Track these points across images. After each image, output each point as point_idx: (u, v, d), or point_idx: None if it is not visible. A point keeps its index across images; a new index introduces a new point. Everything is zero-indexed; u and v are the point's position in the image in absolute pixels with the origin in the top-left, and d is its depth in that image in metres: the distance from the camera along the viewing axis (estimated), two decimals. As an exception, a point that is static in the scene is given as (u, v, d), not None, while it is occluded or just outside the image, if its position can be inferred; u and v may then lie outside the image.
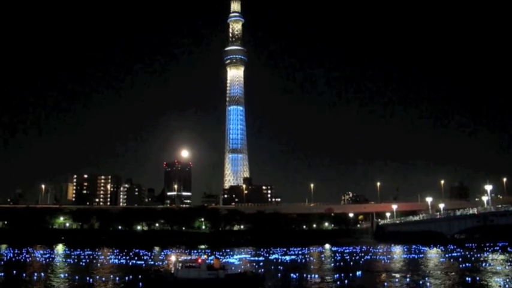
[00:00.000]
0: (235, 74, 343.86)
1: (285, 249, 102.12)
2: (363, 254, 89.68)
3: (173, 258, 64.41)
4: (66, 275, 55.25)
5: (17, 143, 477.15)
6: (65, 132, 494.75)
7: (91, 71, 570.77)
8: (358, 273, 56.47)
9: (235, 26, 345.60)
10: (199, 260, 45.71)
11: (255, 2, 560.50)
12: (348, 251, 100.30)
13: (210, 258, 52.54)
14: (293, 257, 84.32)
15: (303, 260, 78.45)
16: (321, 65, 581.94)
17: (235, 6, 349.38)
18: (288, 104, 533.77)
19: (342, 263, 70.86)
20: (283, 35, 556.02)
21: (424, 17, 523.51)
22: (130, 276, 50.58)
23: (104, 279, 51.83)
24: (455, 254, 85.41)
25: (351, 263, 70.96)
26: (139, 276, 48.18)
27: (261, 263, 69.49)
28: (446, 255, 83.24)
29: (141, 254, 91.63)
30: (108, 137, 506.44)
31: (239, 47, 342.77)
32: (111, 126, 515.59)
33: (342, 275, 52.89)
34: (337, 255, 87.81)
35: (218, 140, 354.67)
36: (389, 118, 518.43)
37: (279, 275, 55.52)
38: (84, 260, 75.58)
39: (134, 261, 72.76)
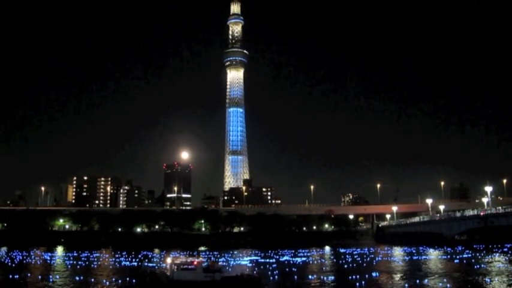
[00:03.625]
0: (235, 76, 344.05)
1: (293, 251, 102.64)
2: (373, 256, 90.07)
3: (169, 260, 64.33)
4: (82, 277, 55.20)
5: (17, 145, 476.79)
6: (65, 134, 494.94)
7: (91, 73, 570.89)
8: (375, 274, 56.71)
9: (235, 28, 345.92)
10: (195, 262, 45.47)
11: (255, 4, 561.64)
12: (356, 252, 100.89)
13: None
14: (304, 258, 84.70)
15: (315, 262, 78.64)
16: (320, 67, 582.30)
17: (235, 8, 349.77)
18: (287, 105, 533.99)
19: (354, 264, 71.29)
20: (283, 36, 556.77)
21: (424, 18, 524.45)
22: (134, 280, 50.24)
23: (114, 280, 51.66)
24: (466, 256, 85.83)
25: (364, 264, 71.31)
26: (135, 279, 47.85)
27: (274, 265, 69.67)
28: (458, 257, 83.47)
29: (150, 256, 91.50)
30: (108, 139, 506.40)
31: (239, 49, 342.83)
32: (111, 127, 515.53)
33: (358, 276, 53.25)
34: (348, 256, 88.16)
35: (218, 141, 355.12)
36: (389, 119, 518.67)
37: (295, 276, 55.69)
38: (95, 263, 75.68)
39: (146, 264, 72.62)
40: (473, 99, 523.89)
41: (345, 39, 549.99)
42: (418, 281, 51.26)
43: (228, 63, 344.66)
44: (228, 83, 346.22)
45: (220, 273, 45.11)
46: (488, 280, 51.14)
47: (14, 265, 71.43)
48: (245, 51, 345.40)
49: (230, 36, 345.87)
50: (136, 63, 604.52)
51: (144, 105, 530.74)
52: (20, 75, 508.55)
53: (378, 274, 56.74)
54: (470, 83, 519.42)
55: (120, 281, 51.29)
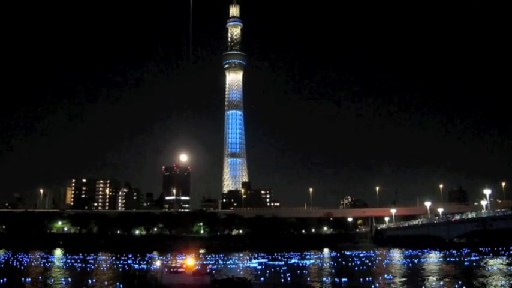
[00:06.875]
0: (234, 79, 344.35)
1: (299, 254, 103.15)
2: (380, 258, 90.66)
3: (158, 263, 63.96)
4: (94, 280, 55.24)
5: (16, 147, 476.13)
6: (64, 136, 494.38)
7: (90, 76, 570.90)
8: (388, 276, 57.11)
9: (234, 31, 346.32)
10: (185, 266, 45.27)
11: (254, 6, 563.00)
12: (363, 255, 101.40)
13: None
14: (312, 261, 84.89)
15: (324, 264, 79.04)
16: (319, 69, 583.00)
17: (234, 11, 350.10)
18: (286, 108, 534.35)
19: (364, 267, 71.56)
20: (282, 39, 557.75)
21: (423, 19, 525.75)
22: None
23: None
24: (474, 258, 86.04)
25: (374, 267, 71.83)
26: (124, 282, 47.63)
27: (284, 268, 69.78)
28: (467, 259, 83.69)
29: (156, 258, 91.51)
30: (107, 141, 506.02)
31: (238, 52, 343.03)
32: (110, 130, 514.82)
33: (371, 278, 53.68)
34: (356, 259, 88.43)
35: (217, 144, 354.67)
36: (388, 122, 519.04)
37: (308, 279, 56.15)
38: (104, 266, 75.70)
39: (154, 266, 72.58)
40: (472, 102, 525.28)
41: (345, 40, 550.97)
42: (434, 283, 51.66)
43: (227, 65, 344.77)
44: (227, 85, 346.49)
45: (211, 276, 44.95)
46: (505, 282, 51.35)
47: (22, 267, 71.46)
48: (244, 53, 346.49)
49: (229, 39, 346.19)
50: (135, 66, 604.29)
51: (142, 107, 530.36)
52: (18, 78, 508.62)
53: (391, 277, 57.02)
54: (470, 86, 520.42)
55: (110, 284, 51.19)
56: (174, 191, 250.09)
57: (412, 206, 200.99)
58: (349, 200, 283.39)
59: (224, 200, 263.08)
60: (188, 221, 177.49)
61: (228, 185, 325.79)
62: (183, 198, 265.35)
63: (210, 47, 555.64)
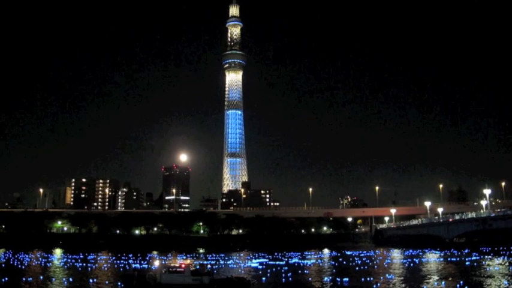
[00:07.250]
0: (233, 78, 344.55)
1: (300, 253, 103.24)
2: (381, 258, 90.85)
3: (157, 262, 63.69)
4: (95, 280, 55.36)
5: (15, 147, 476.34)
6: (64, 137, 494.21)
7: (90, 75, 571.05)
8: (389, 276, 57.19)
9: (234, 31, 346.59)
10: (183, 265, 45.28)
11: (254, 6, 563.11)
12: (363, 254, 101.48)
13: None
14: (313, 260, 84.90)
15: (324, 264, 79.30)
16: (319, 69, 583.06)
17: (234, 11, 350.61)
18: (286, 108, 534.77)
19: (365, 267, 71.63)
20: (282, 38, 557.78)
21: (422, 19, 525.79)
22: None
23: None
24: (475, 258, 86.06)
25: (375, 267, 71.95)
26: (123, 281, 47.61)
27: (285, 267, 69.80)
28: (468, 259, 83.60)
29: (157, 258, 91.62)
30: (107, 141, 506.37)
31: (238, 51, 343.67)
32: (110, 130, 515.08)
33: (372, 278, 53.73)
34: (356, 259, 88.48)
35: (217, 144, 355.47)
36: (388, 122, 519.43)
37: (310, 279, 56.09)
38: (104, 266, 75.76)
39: (155, 267, 72.52)
40: (472, 102, 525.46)
41: (345, 40, 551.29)
42: (436, 282, 51.66)
43: (226, 65, 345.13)
44: (226, 85, 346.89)
45: (209, 276, 44.94)
46: (505, 282, 51.72)
47: (23, 267, 71.44)
48: (244, 53, 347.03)
49: (229, 39, 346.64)
50: (134, 66, 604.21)
51: (142, 107, 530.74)
52: (18, 77, 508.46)
53: (392, 276, 57.06)
54: (469, 86, 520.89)
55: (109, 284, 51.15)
56: (174, 191, 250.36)
57: (412, 206, 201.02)
58: (349, 200, 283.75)
59: (224, 200, 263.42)
60: (188, 221, 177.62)
61: (227, 184, 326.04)
62: (182, 198, 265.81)
63: (209, 47, 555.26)
